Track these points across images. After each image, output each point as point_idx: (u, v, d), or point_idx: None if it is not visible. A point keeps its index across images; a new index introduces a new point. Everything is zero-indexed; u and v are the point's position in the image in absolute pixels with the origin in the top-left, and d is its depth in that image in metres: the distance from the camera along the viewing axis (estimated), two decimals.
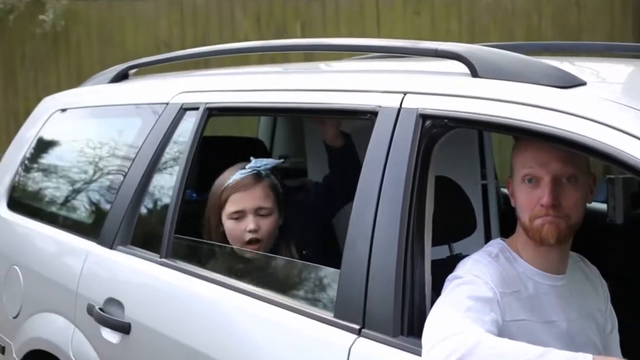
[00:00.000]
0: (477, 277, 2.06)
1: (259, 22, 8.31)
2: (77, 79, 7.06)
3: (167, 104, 3.06)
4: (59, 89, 5.56)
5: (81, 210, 3.45)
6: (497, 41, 7.01)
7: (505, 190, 3.73)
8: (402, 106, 2.21)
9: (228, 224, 2.83)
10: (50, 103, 3.93)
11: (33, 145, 3.79)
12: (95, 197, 3.35)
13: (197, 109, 2.90)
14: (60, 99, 3.96)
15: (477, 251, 2.21)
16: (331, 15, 8.33)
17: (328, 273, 2.36)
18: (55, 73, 8.16)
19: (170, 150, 2.99)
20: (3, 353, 3.54)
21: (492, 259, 2.15)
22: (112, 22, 8.23)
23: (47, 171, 3.77)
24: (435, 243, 2.19)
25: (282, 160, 2.88)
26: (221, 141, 3.79)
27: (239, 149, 3.46)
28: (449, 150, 2.42)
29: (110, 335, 2.83)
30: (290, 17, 8.32)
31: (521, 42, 5.32)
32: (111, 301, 2.87)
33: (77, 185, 3.51)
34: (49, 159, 3.78)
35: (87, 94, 3.74)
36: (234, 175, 2.84)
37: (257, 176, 2.84)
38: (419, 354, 1.91)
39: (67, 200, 3.53)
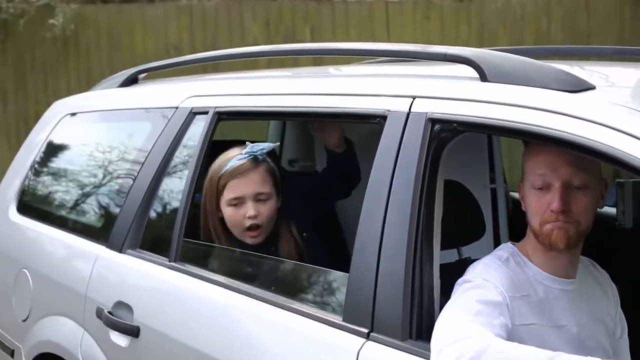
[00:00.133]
0: (487, 281, 2.06)
1: (268, 26, 8.32)
2: (86, 83, 7.07)
3: (177, 108, 3.06)
4: (68, 93, 5.58)
5: (90, 214, 3.46)
6: (507, 45, 7.02)
7: (514, 194, 3.75)
8: (411, 110, 2.21)
9: (227, 211, 2.82)
10: (60, 107, 3.94)
11: (43, 149, 3.80)
12: (104, 200, 3.36)
13: (206, 113, 2.91)
14: (70, 103, 3.97)
15: (487, 255, 2.21)
16: (340, 19, 8.33)
17: (336, 277, 2.36)
18: (65, 77, 8.17)
19: (180, 154, 2.99)
20: (12, 356, 3.55)
21: (502, 263, 2.14)
22: (122, 26, 8.25)
23: (56, 175, 3.78)
24: (444, 247, 2.19)
25: (277, 144, 2.85)
26: (230, 145, 3.79)
27: None
28: (458, 154, 2.41)
29: (119, 339, 2.83)
30: (299, 22, 8.33)
31: (530, 47, 5.34)
32: (120, 304, 2.87)
33: (87, 189, 3.52)
34: (59, 162, 3.79)
35: (97, 98, 3.75)
36: (231, 162, 2.82)
37: (254, 161, 2.82)
38: (427, 357, 1.91)
39: (76, 204, 3.54)
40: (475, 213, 2.86)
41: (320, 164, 3.53)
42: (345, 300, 2.20)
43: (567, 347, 2.09)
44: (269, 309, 2.40)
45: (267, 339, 2.39)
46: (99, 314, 2.93)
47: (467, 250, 2.86)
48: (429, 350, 1.90)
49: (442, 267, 2.14)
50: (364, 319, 2.11)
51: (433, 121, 2.15)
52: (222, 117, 2.89)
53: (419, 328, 2.03)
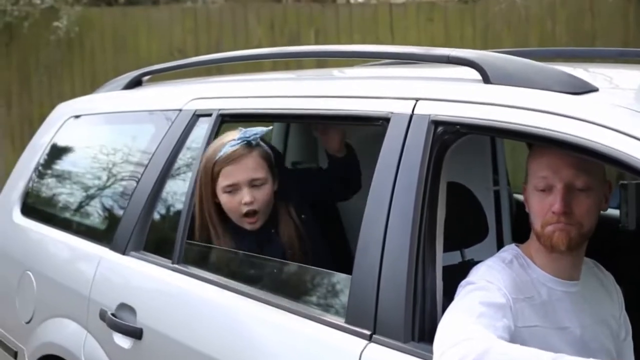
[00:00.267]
0: (490, 283, 2.06)
1: (272, 29, 8.33)
2: (91, 86, 7.08)
3: (180, 110, 3.07)
4: (73, 95, 5.59)
5: (94, 216, 3.47)
6: (511, 47, 7.02)
7: (517, 196, 3.75)
8: (414, 112, 2.21)
9: (223, 198, 2.81)
10: (64, 109, 3.94)
11: (47, 151, 3.81)
12: (108, 203, 3.36)
13: (210, 115, 2.91)
14: (74, 105, 3.98)
15: (491, 257, 2.21)
16: (345, 22, 8.34)
17: (339, 279, 2.36)
18: (70, 79, 8.19)
19: (183, 157, 3.00)
20: (16, 358, 3.55)
21: (505, 264, 2.14)
22: (126, 29, 8.26)
23: (60, 177, 3.78)
24: (447, 249, 2.19)
25: (270, 128, 2.83)
26: None
27: None
28: (461, 157, 2.41)
29: (122, 341, 2.83)
30: (304, 24, 8.34)
31: (534, 48, 5.33)
32: (123, 306, 2.87)
33: (90, 191, 3.52)
34: (63, 165, 3.79)
35: (101, 101, 3.76)
36: (224, 148, 2.79)
37: (248, 147, 2.80)
38: (429, 359, 1.91)
39: (80, 206, 3.55)
40: (478, 215, 2.85)
41: (324, 166, 3.53)
42: (347, 302, 2.20)
43: (571, 349, 2.09)
44: (271, 310, 2.40)
45: (269, 340, 2.39)
46: (102, 315, 2.94)
47: (470, 252, 2.86)
48: (431, 352, 1.90)
49: (445, 269, 2.14)
50: (367, 320, 2.11)
51: (436, 123, 2.15)
52: (226, 119, 2.89)
53: (421, 330, 2.03)
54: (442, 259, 2.12)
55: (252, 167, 2.78)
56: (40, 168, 3.81)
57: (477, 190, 2.94)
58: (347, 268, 2.26)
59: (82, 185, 3.62)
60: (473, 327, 1.89)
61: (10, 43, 8.17)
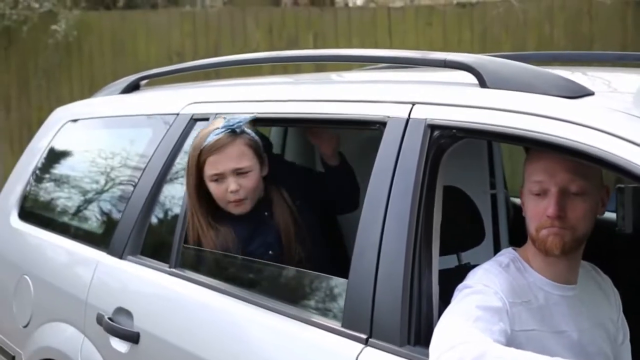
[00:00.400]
0: (487, 287, 2.06)
1: (271, 33, 8.33)
2: (89, 90, 7.09)
3: (178, 114, 3.07)
4: (71, 99, 5.60)
5: (91, 220, 3.47)
6: (510, 51, 7.03)
7: (515, 200, 3.75)
8: (411, 116, 2.22)
9: (210, 186, 2.80)
10: (61, 114, 3.95)
11: (44, 155, 3.81)
12: (105, 207, 3.36)
13: (207, 119, 2.91)
14: (72, 109, 3.98)
15: (488, 260, 2.21)
16: (343, 26, 8.34)
17: (336, 283, 2.36)
18: (68, 83, 8.20)
19: (181, 161, 3.00)
20: None
21: (502, 268, 2.14)
22: (125, 33, 8.27)
23: (58, 181, 3.78)
24: (443, 252, 2.20)
25: (254, 116, 2.82)
26: None
27: None
28: (458, 160, 2.42)
29: (119, 345, 2.83)
30: (302, 28, 8.34)
31: (531, 52, 5.34)
32: (120, 311, 2.88)
33: (88, 196, 3.52)
34: (60, 169, 3.79)
35: (99, 105, 3.76)
36: (209, 137, 2.78)
37: (232, 135, 2.77)
38: None
39: (77, 210, 3.55)
40: (475, 219, 2.86)
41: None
42: (344, 306, 2.20)
43: (568, 353, 2.09)
44: (268, 314, 2.40)
45: (267, 344, 2.40)
46: (100, 320, 2.94)
47: (466, 256, 2.87)
48: (427, 355, 1.90)
49: (442, 272, 2.15)
50: (363, 324, 2.11)
51: (432, 127, 2.15)
52: None
53: (417, 334, 2.04)
54: (438, 262, 2.13)
55: (236, 156, 2.77)
56: (37, 172, 3.81)
57: (473, 194, 2.95)
58: (343, 264, 2.27)
59: (79, 190, 3.62)
60: (469, 330, 1.89)
61: (8, 47, 8.18)
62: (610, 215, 3.19)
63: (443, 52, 2.36)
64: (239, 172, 2.78)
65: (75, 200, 3.60)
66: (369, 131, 2.38)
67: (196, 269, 2.83)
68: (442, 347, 1.86)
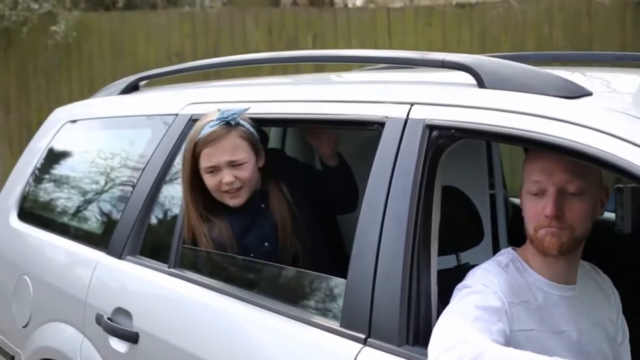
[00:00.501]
0: (486, 287, 2.06)
1: (270, 33, 8.34)
2: (89, 90, 7.09)
3: (177, 115, 3.08)
4: (71, 100, 5.60)
5: (90, 220, 3.47)
6: (509, 51, 7.03)
7: (514, 200, 3.75)
8: (409, 117, 2.22)
9: (205, 178, 2.79)
10: (61, 114, 3.95)
11: (44, 156, 3.82)
12: (104, 207, 3.37)
13: None
14: (71, 110, 3.99)
15: (487, 260, 2.21)
16: (343, 26, 8.35)
17: (334, 283, 2.36)
18: (68, 84, 8.20)
19: (180, 161, 2.99)
20: None
21: (501, 268, 2.14)
22: (124, 33, 8.27)
23: (57, 182, 3.79)
24: (442, 252, 2.20)
25: (249, 108, 2.81)
26: None
27: None
28: (456, 161, 2.42)
29: (119, 345, 2.84)
30: (301, 29, 8.35)
31: (530, 53, 5.34)
32: (119, 311, 2.88)
33: (87, 196, 3.52)
34: (59, 169, 3.80)
35: (98, 106, 3.76)
36: (204, 129, 2.78)
37: (226, 127, 2.76)
38: None
39: (76, 210, 3.55)
40: (474, 219, 2.86)
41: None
42: (343, 306, 2.20)
43: (567, 353, 2.09)
44: (267, 315, 2.41)
45: (265, 344, 2.40)
46: (99, 320, 2.94)
47: (465, 256, 2.87)
48: (425, 355, 1.91)
49: (441, 272, 2.15)
50: (362, 324, 2.11)
51: (431, 127, 2.15)
52: None
53: (416, 334, 2.04)
54: (437, 262, 2.13)
55: (230, 149, 2.76)
56: (37, 173, 3.82)
57: (472, 194, 2.95)
58: (343, 264, 2.27)
59: (78, 190, 3.62)
60: (468, 330, 1.89)
61: (8, 48, 8.19)
62: (609, 215, 3.19)
63: (441, 53, 2.36)
64: (233, 164, 2.77)
65: (75, 200, 3.60)
66: (367, 131, 2.38)
67: (195, 269, 2.83)
68: (440, 346, 1.86)
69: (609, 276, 2.34)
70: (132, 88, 3.61)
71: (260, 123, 2.84)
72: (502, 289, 2.07)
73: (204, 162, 2.78)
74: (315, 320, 2.28)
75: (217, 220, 2.80)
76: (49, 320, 3.30)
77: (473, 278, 2.11)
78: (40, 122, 4.19)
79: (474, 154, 3.37)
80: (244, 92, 3.13)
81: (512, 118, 2.01)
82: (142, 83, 3.65)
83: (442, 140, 2.14)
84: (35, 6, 8.07)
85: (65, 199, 3.67)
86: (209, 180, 2.79)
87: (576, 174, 2.06)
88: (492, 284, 2.07)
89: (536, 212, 2.08)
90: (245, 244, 2.80)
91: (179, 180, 2.96)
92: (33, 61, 8.15)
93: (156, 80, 3.76)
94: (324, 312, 2.36)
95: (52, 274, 3.40)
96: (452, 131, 2.13)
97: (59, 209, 3.68)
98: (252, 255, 2.77)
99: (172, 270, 2.81)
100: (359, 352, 2.09)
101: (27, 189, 3.82)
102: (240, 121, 2.78)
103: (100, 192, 3.43)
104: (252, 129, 2.80)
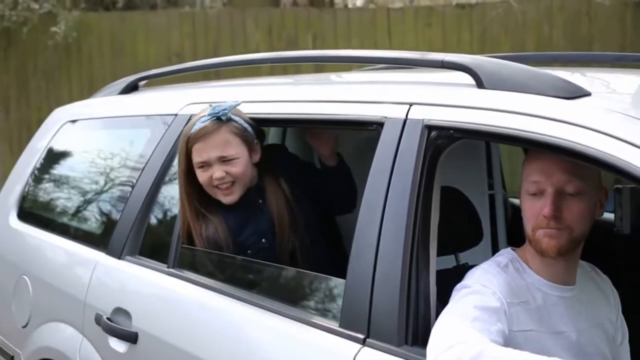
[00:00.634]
0: (485, 287, 2.06)
1: (270, 33, 8.34)
2: (89, 90, 7.10)
3: (176, 115, 3.08)
4: (70, 100, 5.60)
5: (90, 220, 3.47)
6: (509, 52, 7.04)
7: (513, 200, 3.76)
8: (408, 117, 2.22)
9: (197, 173, 2.78)
10: (60, 114, 3.96)
11: (43, 156, 3.82)
12: (104, 207, 3.37)
13: None
14: (71, 110, 3.99)
15: (487, 260, 2.21)
16: (342, 27, 8.35)
17: (333, 283, 2.36)
18: (67, 84, 8.21)
19: None
20: None
21: (501, 269, 2.14)
22: (124, 33, 8.28)
23: (56, 182, 3.79)
24: (441, 253, 2.20)
25: (240, 103, 2.80)
26: None
27: None
28: (456, 161, 2.42)
29: (118, 345, 2.84)
30: (301, 29, 8.35)
31: (529, 53, 5.34)
32: (119, 311, 2.88)
33: (86, 196, 3.53)
34: (59, 169, 3.80)
35: (97, 106, 3.77)
36: (196, 124, 2.77)
37: (217, 123, 2.75)
38: None
39: (76, 210, 3.55)
40: (473, 219, 2.86)
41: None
42: (342, 306, 2.20)
43: (566, 354, 2.09)
44: (266, 315, 2.41)
45: (265, 344, 2.40)
46: (98, 320, 2.94)
47: (464, 257, 2.87)
48: (424, 356, 1.91)
49: (440, 273, 2.15)
50: (360, 324, 2.11)
51: (430, 128, 2.16)
52: None
53: (414, 334, 2.04)
54: (435, 263, 2.13)
55: (220, 145, 2.75)
56: (36, 173, 3.82)
57: (471, 195, 2.95)
58: (342, 264, 2.27)
59: (78, 190, 3.62)
60: (467, 330, 1.89)
61: (8, 48, 8.19)
62: (609, 215, 3.19)
63: (441, 53, 2.36)
64: (224, 160, 2.76)
65: (74, 200, 3.61)
66: (366, 132, 2.38)
67: (194, 269, 2.83)
68: (439, 347, 1.86)
69: (608, 277, 2.35)
70: (132, 88, 3.62)
71: (260, 123, 2.83)
72: (501, 289, 2.07)
73: (195, 158, 2.77)
74: (314, 321, 2.28)
75: (212, 217, 2.79)
76: (48, 320, 3.30)
77: (472, 278, 2.11)
78: (40, 122, 4.20)
79: (473, 154, 3.37)
80: (244, 92, 3.12)
81: (511, 118, 2.01)
82: (142, 83, 3.65)
83: (441, 141, 2.14)
84: (36, 6, 8.08)
85: (64, 199, 3.67)
86: (201, 176, 2.78)
87: (575, 174, 2.06)
88: (491, 284, 2.07)
89: (534, 212, 2.08)
90: (242, 240, 2.79)
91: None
92: (33, 61, 8.16)
93: (156, 80, 3.77)
94: (323, 312, 2.36)
95: (51, 274, 3.40)
96: (451, 131, 2.13)
97: (58, 209, 3.68)
98: (249, 251, 2.76)
99: (172, 270, 2.81)
100: (358, 352, 2.09)
101: (26, 189, 3.82)
102: (232, 116, 2.77)
103: (99, 192, 3.43)
104: (245, 125, 2.79)
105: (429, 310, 2.07)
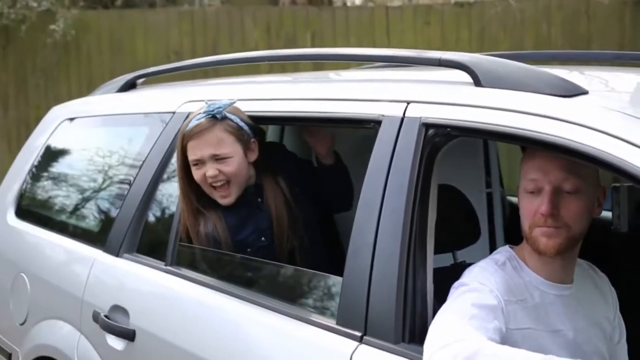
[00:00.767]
0: (483, 285, 2.06)
1: (269, 31, 8.34)
2: (87, 88, 7.09)
3: (174, 113, 3.08)
4: (69, 98, 5.59)
5: (88, 218, 3.47)
6: (507, 50, 7.04)
7: (511, 199, 3.76)
8: (406, 115, 2.22)
9: (192, 170, 2.78)
10: (58, 112, 3.95)
11: (41, 153, 3.82)
12: (101, 205, 3.37)
13: None
14: (69, 108, 3.99)
15: (484, 258, 2.21)
16: (341, 25, 8.35)
17: (331, 281, 2.36)
18: (66, 82, 8.20)
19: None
20: (10, 359, 3.56)
21: (498, 267, 2.14)
22: (123, 31, 8.27)
23: (54, 179, 3.79)
24: (439, 251, 2.20)
25: (235, 101, 2.80)
26: None
27: None
28: (453, 159, 2.42)
29: (115, 342, 2.84)
30: (300, 27, 8.35)
31: (528, 52, 5.34)
32: (116, 308, 2.88)
33: (84, 194, 3.53)
34: (57, 167, 3.80)
35: (95, 103, 3.77)
36: (192, 121, 2.77)
37: (212, 121, 2.74)
38: None
39: (74, 208, 3.55)
40: (471, 217, 2.86)
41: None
42: (339, 304, 2.20)
43: (563, 352, 2.09)
44: (263, 312, 2.41)
45: (262, 342, 2.40)
46: (96, 317, 2.94)
47: (462, 255, 2.87)
48: (421, 353, 1.91)
49: (437, 271, 2.15)
50: (358, 322, 2.11)
51: (427, 126, 2.15)
52: None
53: (411, 331, 2.04)
54: (432, 261, 2.13)
55: (214, 143, 2.74)
56: (34, 170, 3.82)
57: (469, 193, 2.95)
58: (339, 262, 2.27)
59: (76, 188, 3.62)
60: (464, 328, 1.89)
61: (7, 46, 8.18)
62: (606, 214, 3.20)
63: (438, 51, 2.36)
64: (217, 158, 2.75)
65: (72, 198, 3.61)
66: (363, 130, 2.38)
67: (192, 266, 2.83)
68: (436, 344, 1.86)
69: (606, 275, 2.35)
70: (130, 86, 3.62)
71: (258, 121, 2.83)
72: (499, 287, 2.07)
73: (190, 155, 2.77)
74: (311, 318, 2.28)
75: (211, 214, 2.79)
76: (46, 317, 3.30)
77: (470, 276, 2.11)
78: (38, 120, 4.20)
79: (471, 152, 3.37)
80: (242, 90, 3.13)
81: (508, 116, 2.01)
82: (140, 81, 3.65)
83: (438, 139, 2.14)
84: (34, 4, 8.07)
85: (62, 197, 3.67)
86: (195, 173, 2.78)
87: (572, 172, 2.06)
88: (489, 282, 2.07)
89: (532, 210, 2.08)
90: (242, 239, 2.79)
91: (176, 178, 2.97)
92: (32, 59, 8.15)
93: (154, 78, 3.76)
94: (320, 310, 2.36)
95: (49, 271, 3.40)
96: (449, 129, 2.13)
97: (56, 207, 3.68)
98: (248, 250, 2.76)
99: (169, 267, 2.81)
100: (355, 349, 2.09)
101: (24, 186, 3.82)
102: (228, 115, 2.76)
103: (97, 190, 3.43)
104: (240, 123, 2.78)
105: (426, 308, 2.07)
